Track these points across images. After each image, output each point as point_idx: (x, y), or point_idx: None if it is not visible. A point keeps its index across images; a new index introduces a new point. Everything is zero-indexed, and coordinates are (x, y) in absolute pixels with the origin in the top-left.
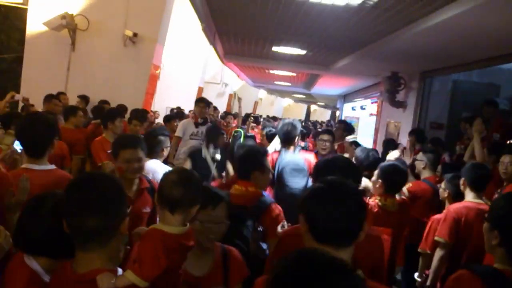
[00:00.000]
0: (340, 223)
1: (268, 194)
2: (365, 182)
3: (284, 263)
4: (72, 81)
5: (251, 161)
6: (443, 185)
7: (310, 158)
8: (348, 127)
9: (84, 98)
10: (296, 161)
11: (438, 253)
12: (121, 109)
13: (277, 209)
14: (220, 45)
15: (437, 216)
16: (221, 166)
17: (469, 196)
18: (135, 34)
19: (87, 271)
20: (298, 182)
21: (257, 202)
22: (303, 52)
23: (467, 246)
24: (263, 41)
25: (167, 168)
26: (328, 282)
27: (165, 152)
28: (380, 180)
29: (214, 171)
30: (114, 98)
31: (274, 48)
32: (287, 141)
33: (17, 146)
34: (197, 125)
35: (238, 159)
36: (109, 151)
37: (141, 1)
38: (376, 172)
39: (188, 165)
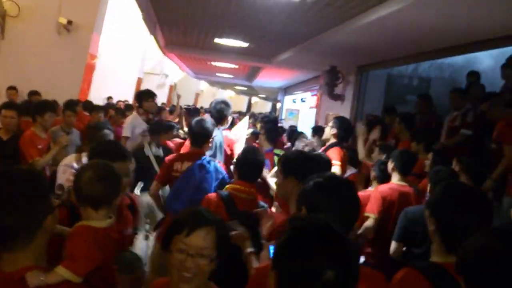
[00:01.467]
0: (343, 213)
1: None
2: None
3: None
4: (2, 71)
5: (261, 166)
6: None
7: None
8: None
9: (15, 90)
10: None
11: (367, 224)
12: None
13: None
14: (161, 35)
15: (361, 193)
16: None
17: (395, 179)
18: (69, 22)
19: (14, 270)
20: None
21: (257, 206)
22: (245, 44)
23: (390, 220)
24: (205, 32)
25: None
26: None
27: None
28: None
29: (157, 169)
30: (48, 89)
31: (216, 40)
32: (219, 120)
33: None
34: (149, 122)
35: (245, 162)
36: (40, 146)
37: None
38: None
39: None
